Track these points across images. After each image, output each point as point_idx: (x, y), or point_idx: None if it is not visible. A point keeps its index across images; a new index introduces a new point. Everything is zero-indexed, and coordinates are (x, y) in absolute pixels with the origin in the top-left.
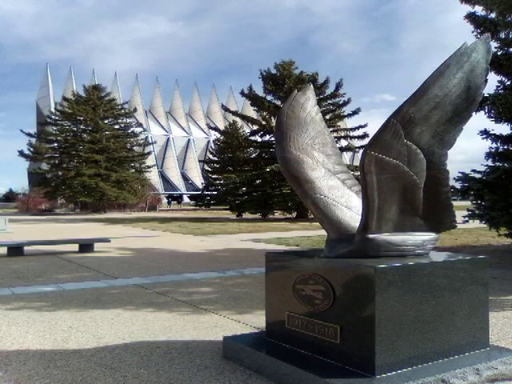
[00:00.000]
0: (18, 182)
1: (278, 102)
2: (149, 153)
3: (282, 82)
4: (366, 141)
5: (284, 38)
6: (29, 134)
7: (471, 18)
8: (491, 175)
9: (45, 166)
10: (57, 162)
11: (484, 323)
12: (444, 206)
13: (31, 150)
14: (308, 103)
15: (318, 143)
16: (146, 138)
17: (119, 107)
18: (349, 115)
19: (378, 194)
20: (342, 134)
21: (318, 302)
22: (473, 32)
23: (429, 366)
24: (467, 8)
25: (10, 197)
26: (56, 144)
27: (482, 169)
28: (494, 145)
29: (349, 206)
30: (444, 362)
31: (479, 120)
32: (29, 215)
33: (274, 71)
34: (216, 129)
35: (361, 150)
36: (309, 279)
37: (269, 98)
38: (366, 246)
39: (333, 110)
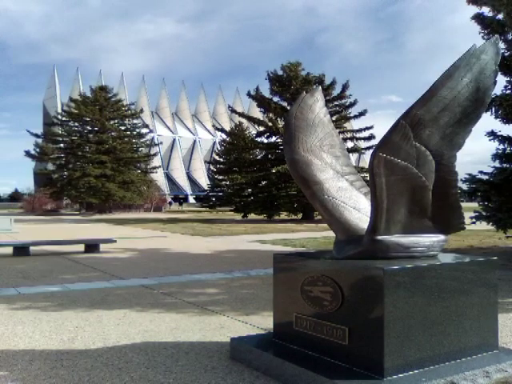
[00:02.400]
0: (24, 182)
1: (285, 104)
2: (155, 154)
3: (289, 84)
4: (372, 142)
5: (290, 39)
6: (35, 135)
7: (479, 18)
8: (498, 176)
9: (51, 167)
10: (63, 162)
11: (493, 325)
12: (453, 208)
13: (37, 150)
14: (316, 105)
15: (326, 145)
16: (152, 138)
17: (126, 108)
18: (355, 117)
19: (387, 196)
20: (349, 135)
21: (327, 304)
22: (480, 33)
23: (438, 369)
24: (474, 9)
25: (15, 197)
26: (62, 144)
27: (489, 170)
28: (501, 146)
29: (357, 208)
30: (453, 365)
31: (485, 121)
32: (34, 215)
33: (280, 72)
34: (222, 130)
35: (367, 152)
36: (317, 280)
37: (275, 99)
38: (374, 247)
39: (339, 111)
